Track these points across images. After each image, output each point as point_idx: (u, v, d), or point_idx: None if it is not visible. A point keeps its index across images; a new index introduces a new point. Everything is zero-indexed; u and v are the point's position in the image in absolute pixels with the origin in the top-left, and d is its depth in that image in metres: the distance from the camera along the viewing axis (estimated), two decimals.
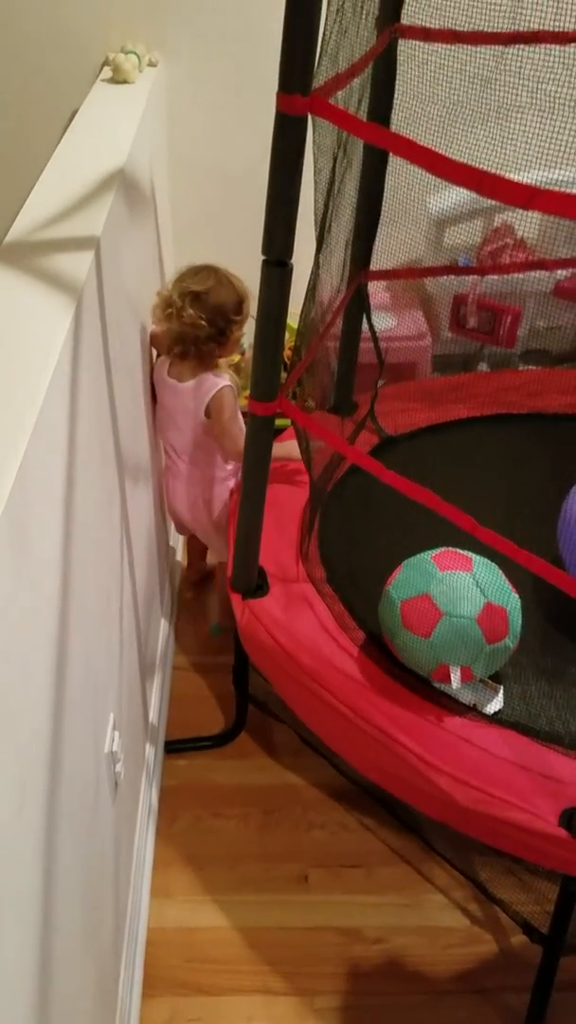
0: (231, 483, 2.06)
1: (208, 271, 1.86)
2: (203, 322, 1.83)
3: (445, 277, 2.28)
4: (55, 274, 1.24)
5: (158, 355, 2.01)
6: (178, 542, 2.52)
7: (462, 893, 1.71)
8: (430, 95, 1.50)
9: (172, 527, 2.32)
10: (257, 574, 1.76)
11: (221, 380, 1.92)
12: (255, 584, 1.75)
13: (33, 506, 0.94)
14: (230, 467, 2.04)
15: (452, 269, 2.14)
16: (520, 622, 1.51)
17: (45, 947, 0.96)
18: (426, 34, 1.63)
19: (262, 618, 1.68)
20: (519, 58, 1.33)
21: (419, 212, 2.03)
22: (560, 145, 1.23)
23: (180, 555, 2.51)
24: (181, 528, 2.23)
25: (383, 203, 1.89)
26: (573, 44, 1.47)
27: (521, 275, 2.14)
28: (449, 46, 1.47)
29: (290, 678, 1.60)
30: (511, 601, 1.50)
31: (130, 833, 1.62)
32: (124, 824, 1.53)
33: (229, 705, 1.99)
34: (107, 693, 1.36)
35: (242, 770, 1.93)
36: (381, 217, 1.91)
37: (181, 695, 2.11)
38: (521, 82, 1.31)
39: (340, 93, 1.32)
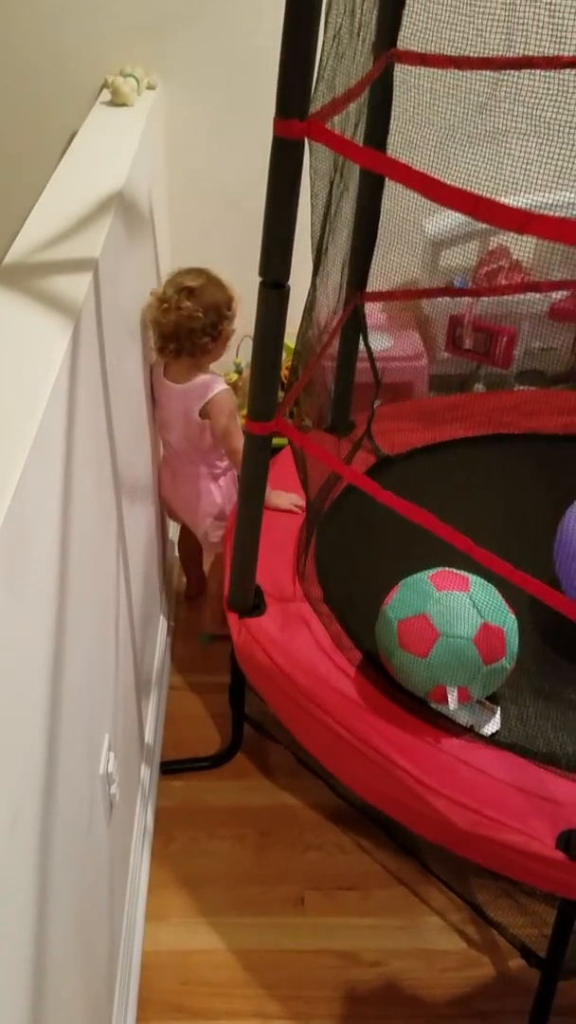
0: (224, 480, 2.10)
1: (198, 271, 1.93)
2: (199, 314, 1.87)
3: (441, 298, 2.30)
4: (53, 295, 1.24)
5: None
6: (175, 558, 2.51)
7: (459, 915, 1.70)
8: (426, 119, 1.51)
9: (170, 543, 2.32)
10: (254, 593, 1.76)
11: (217, 383, 1.96)
12: (252, 603, 1.75)
13: (30, 523, 0.94)
14: (223, 463, 2.08)
15: (448, 291, 2.16)
16: (517, 643, 1.51)
17: (37, 970, 0.96)
18: (422, 59, 1.65)
19: (259, 637, 1.68)
20: (514, 84, 1.35)
21: (415, 234, 2.05)
22: (555, 169, 1.25)
23: (176, 571, 2.51)
24: (174, 517, 2.29)
25: (380, 225, 1.91)
26: (567, 70, 1.49)
27: (516, 296, 2.15)
28: (445, 72, 1.49)
29: (286, 698, 1.60)
30: (508, 622, 1.50)
31: (125, 854, 1.61)
32: (119, 846, 1.52)
33: (225, 725, 1.99)
34: (102, 713, 1.35)
35: (238, 791, 1.92)
36: (378, 239, 1.93)
37: (177, 714, 2.10)
38: (516, 108, 1.32)
39: (337, 117, 1.34)
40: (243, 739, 1.97)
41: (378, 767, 1.44)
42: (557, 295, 2.20)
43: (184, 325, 1.87)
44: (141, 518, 1.86)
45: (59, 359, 1.09)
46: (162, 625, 2.22)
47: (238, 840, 1.83)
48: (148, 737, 1.89)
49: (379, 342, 2.46)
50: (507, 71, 1.42)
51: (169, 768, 1.95)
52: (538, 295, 2.13)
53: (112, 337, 1.48)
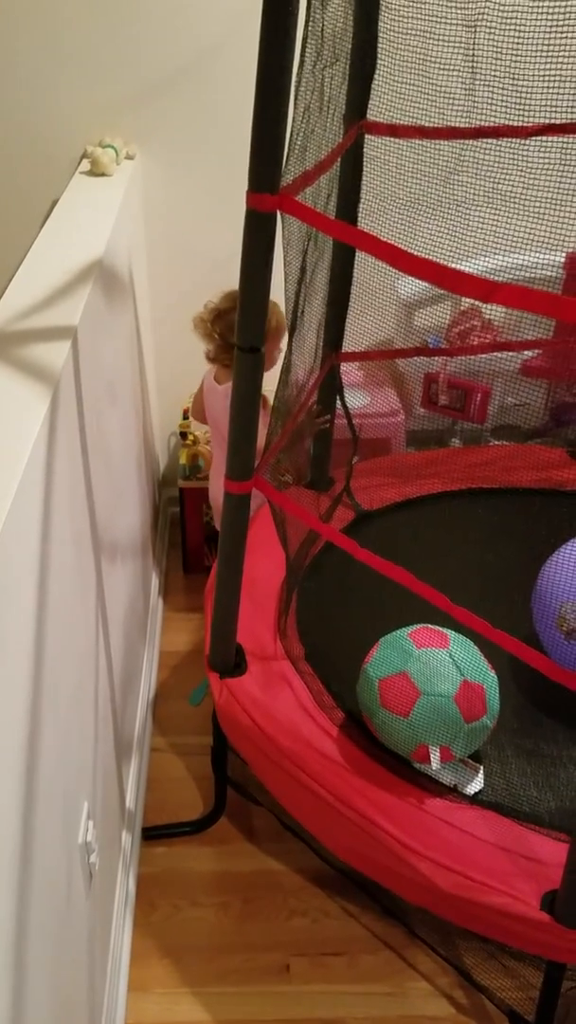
0: None
1: (235, 294, 1.97)
2: (216, 335, 2.03)
3: (416, 357, 2.34)
4: (32, 363, 1.26)
5: None
6: (158, 619, 2.51)
7: (447, 979, 1.67)
8: (393, 192, 1.57)
9: (156, 601, 2.31)
10: (235, 653, 1.75)
11: None
12: (233, 663, 1.75)
13: (6, 589, 0.94)
14: None
15: (422, 350, 2.20)
16: (498, 700, 1.51)
17: None
18: (391, 130, 1.71)
19: (240, 698, 1.67)
20: (475, 159, 1.40)
21: (389, 296, 2.09)
22: (515, 234, 1.30)
23: (161, 630, 2.50)
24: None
25: (355, 288, 1.95)
26: (530, 138, 1.55)
27: (489, 354, 2.20)
28: (411, 148, 1.55)
29: (268, 760, 1.59)
30: (488, 679, 1.51)
31: (106, 924, 1.57)
32: (99, 915, 1.49)
33: (209, 787, 1.96)
34: (81, 781, 1.33)
35: (221, 856, 1.89)
36: (353, 301, 1.97)
37: (160, 777, 2.07)
38: (477, 180, 1.38)
39: (308, 189, 1.38)
40: (226, 803, 1.95)
41: (361, 830, 1.42)
42: (528, 352, 2.24)
43: (216, 343, 2.05)
44: (122, 579, 1.86)
45: (37, 426, 1.10)
46: (144, 686, 2.21)
47: (222, 907, 1.80)
48: (129, 802, 1.87)
49: (356, 399, 2.49)
50: (469, 144, 1.48)
51: (151, 834, 1.92)
52: (510, 352, 2.18)
53: (92, 402, 1.50)
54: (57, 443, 1.20)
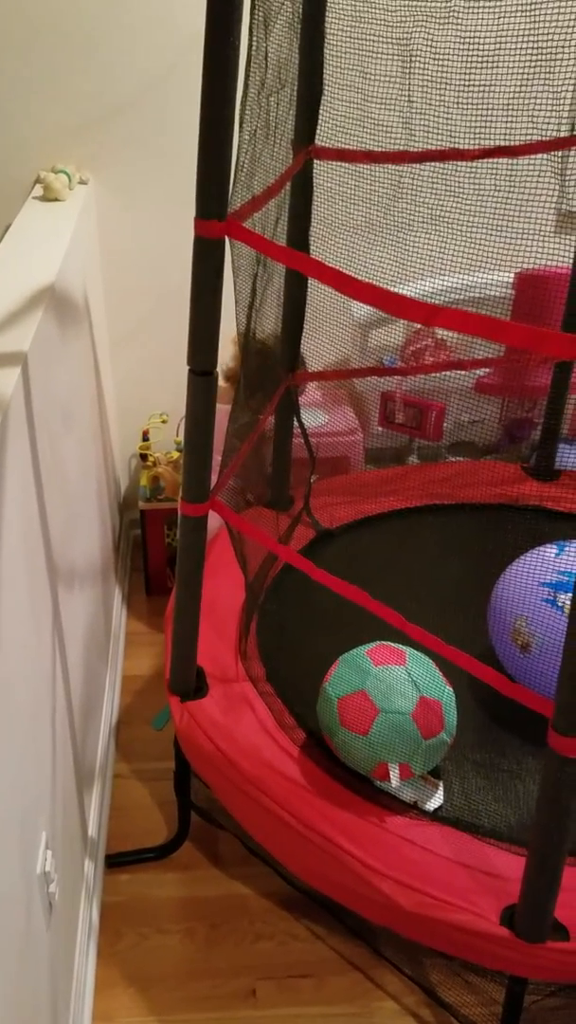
0: None
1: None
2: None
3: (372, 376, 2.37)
4: None
5: None
6: (120, 643, 2.49)
7: (414, 998, 1.66)
8: (341, 217, 1.60)
9: (118, 627, 2.29)
10: (195, 675, 1.75)
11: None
12: (194, 686, 1.74)
13: None
14: None
15: (378, 370, 2.23)
16: (455, 715, 1.52)
17: None
18: (339, 154, 1.74)
19: (200, 721, 1.66)
20: (413, 186, 1.44)
21: (344, 317, 2.12)
22: (457, 256, 1.33)
23: (123, 655, 2.48)
24: None
25: (310, 309, 1.97)
26: (468, 163, 1.59)
27: (443, 372, 2.23)
28: (357, 176, 1.58)
29: (230, 783, 1.58)
30: (445, 694, 1.52)
31: (69, 956, 1.55)
32: (61, 947, 1.47)
33: (173, 813, 1.95)
34: (38, 811, 1.32)
35: (187, 882, 1.87)
36: (308, 322, 1.99)
37: (123, 804, 2.05)
38: (416, 207, 1.41)
39: (256, 215, 1.40)
40: (190, 828, 1.93)
41: (323, 851, 1.42)
42: (481, 370, 2.28)
43: None
44: (81, 603, 1.85)
45: None
46: (106, 711, 2.19)
47: (187, 934, 1.78)
48: (92, 830, 1.85)
49: (314, 418, 2.51)
50: (407, 170, 1.51)
51: (115, 861, 1.90)
52: (464, 371, 2.21)
53: (45, 428, 1.49)
54: (6, 469, 1.20)
